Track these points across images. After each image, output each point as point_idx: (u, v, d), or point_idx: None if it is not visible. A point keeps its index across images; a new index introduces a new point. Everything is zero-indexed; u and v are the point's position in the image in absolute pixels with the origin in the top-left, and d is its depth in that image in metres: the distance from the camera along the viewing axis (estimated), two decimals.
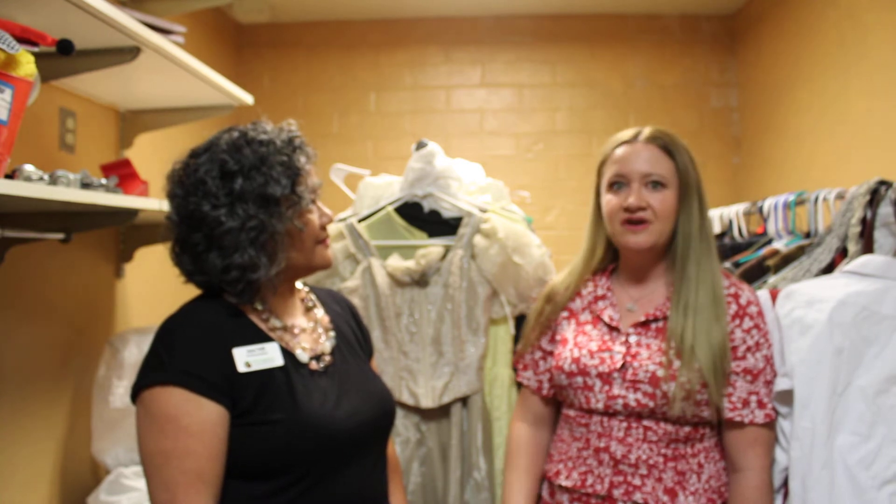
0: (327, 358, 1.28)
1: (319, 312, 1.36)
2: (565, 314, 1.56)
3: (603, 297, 1.52)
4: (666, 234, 1.44)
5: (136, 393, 1.15)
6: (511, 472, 1.59)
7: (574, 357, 1.47)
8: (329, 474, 1.19)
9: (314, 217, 1.27)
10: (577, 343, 1.49)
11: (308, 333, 1.30)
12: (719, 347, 1.37)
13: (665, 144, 1.44)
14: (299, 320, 1.31)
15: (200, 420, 1.11)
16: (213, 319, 1.19)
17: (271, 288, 1.24)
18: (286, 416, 1.16)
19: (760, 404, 1.40)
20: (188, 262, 1.22)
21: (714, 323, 1.38)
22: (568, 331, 1.53)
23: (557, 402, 1.57)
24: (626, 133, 1.48)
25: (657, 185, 1.43)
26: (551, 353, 1.56)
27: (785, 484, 1.43)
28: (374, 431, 1.29)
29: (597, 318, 1.51)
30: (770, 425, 1.41)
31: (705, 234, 1.45)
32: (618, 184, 1.46)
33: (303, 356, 1.24)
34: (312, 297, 1.39)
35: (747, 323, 1.42)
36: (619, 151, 1.47)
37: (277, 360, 1.20)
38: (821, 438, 1.35)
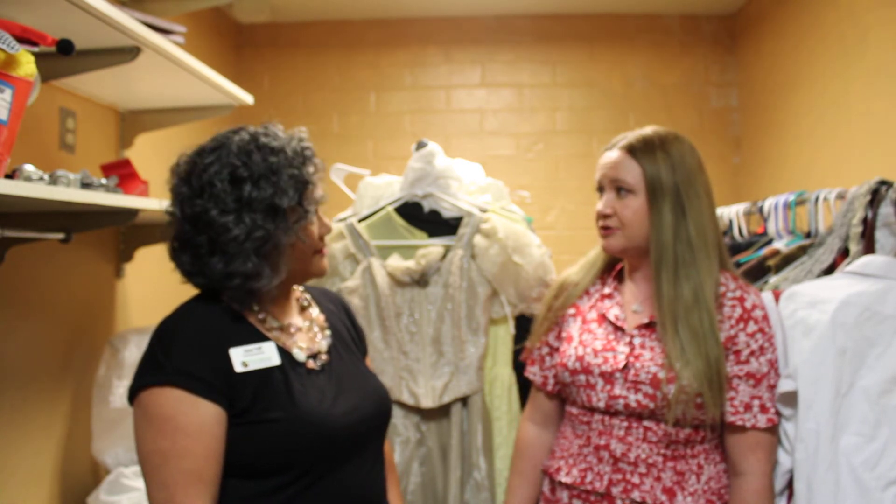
0: (324, 356, 1.29)
1: (315, 311, 1.37)
2: (572, 311, 1.56)
3: (610, 296, 1.53)
4: (638, 239, 1.44)
5: (134, 394, 1.15)
6: (514, 475, 1.63)
7: (578, 355, 1.47)
8: (327, 472, 1.20)
9: (315, 228, 1.27)
10: (583, 341, 1.49)
11: (304, 332, 1.30)
12: (713, 354, 1.36)
13: (635, 152, 1.44)
14: (295, 319, 1.31)
15: (198, 420, 1.11)
16: (209, 320, 1.19)
17: (270, 296, 1.25)
18: (284, 415, 1.16)
19: (763, 409, 1.39)
20: (188, 262, 1.21)
21: (698, 329, 1.37)
22: (574, 328, 1.53)
23: (563, 398, 1.58)
24: (615, 138, 1.50)
25: (623, 191, 1.44)
26: (557, 350, 1.57)
27: (789, 486, 1.43)
28: (371, 429, 1.29)
29: (602, 317, 1.51)
30: (772, 430, 1.41)
31: (684, 238, 1.41)
32: (599, 189, 1.50)
33: (300, 355, 1.24)
34: (307, 296, 1.39)
35: (752, 327, 1.42)
36: (601, 158, 1.50)
37: (274, 360, 1.20)
38: (825, 439, 1.35)
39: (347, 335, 1.40)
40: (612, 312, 1.49)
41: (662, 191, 1.42)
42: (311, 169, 1.24)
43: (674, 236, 1.41)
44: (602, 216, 1.47)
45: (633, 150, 1.44)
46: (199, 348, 1.15)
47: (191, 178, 1.20)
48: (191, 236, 1.19)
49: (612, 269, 1.58)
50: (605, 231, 1.47)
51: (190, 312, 1.21)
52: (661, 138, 1.45)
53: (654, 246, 1.42)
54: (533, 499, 1.59)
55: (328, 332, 1.34)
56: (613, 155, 1.47)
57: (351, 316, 1.46)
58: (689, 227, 1.42)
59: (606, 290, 1.54)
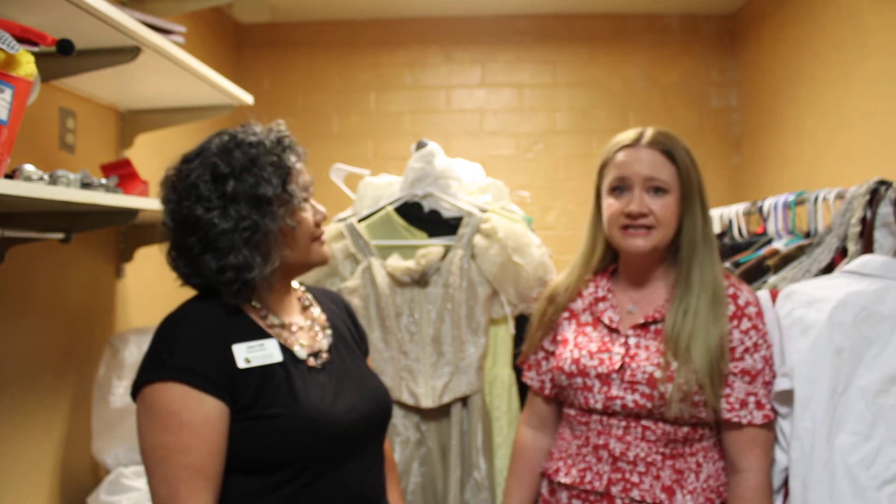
0: (325, 355, 1.29)
1: (316, 311, 1.38)
2: (566, 315, 1.56)
3: (603, 299, 1.52)
4: (668, 239, 1.44)
5: (137, 390, 1.16)
6: (510, 479, 1.63)
7: (574, 358, 1.47)
8: (328, 469, 1.20)
9: (308, 215, 1.28)
10: (578, 344, 1.49)
11: (305, 331, 1.31)
12: (716, 349, 1.37)
13: (667, 148, 1.43)
14: (296, 318, 1.32)
15: (201, 415, 1.12)
16: (212, 317, 1.20)
17: (267, 286, 1.25)
18: (286, 411, 1.17)
19: (759, 405, 1.40)
20: (184, 265, 1.23)
21: (712, 325, 1.38)
22: (569, 331, 1.53)
23: (561, 402, 1.58)
24: (628, 135, 1.47)
25: (659, 190, 1.42)
26: (553, 354, 1.57)
27: (785, 484, 1.43)
28: (371, 427, 1.30)
29: (597, 320, 1.51)
30: (769, 426, 1.41)
31: (708, 237, 1.45)
32: (619, 188, 1.45)
33: (301, 353, 1.25)
34: (309, 296, 1.40)
35: (745, 324, 1.42)
36: (621, 155, 1.45)
37: (276, 357, 1.21)
38: (821, 438, 1.35)
39: (349, 335, 1.40)
40: (607, 315, 1.49)
41: (693, 189, 1.43)
42: (291, 156, 1.25)
43: (703, 235, 1.44)
44: (638, 215, 1.41)
45: (664, 148, 1.43)
46: (202, 345, 1.16)
47: (176, 185, 1.22)
48: (182, 240, 1.21)
49: (601, 273, 1.57)
50: (635, 231, 1.42)
51: (192, 310, 1.22)
52: (676, 136, 1.46)
53: (686, 245, 1.43)
54: (530, 501, 1.59)
55: (329, 332, 1.35)
56: (643, 153, 1.43)
57: (353, 316, 1.47)
58: (709, 225, 1.45)
59: (600, 293, 1.53)
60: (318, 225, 1.30)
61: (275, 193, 1.21)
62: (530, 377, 1.62)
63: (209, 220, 1.18)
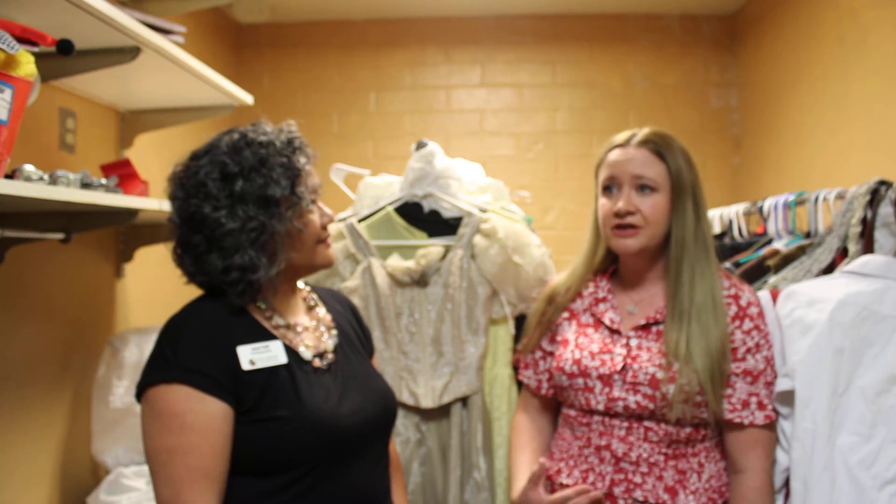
0: (330, 356, 1.29)
1: (321, 311, 1.37)
2: (566, 315, 1.56)
3: (604, 300, 1.52)
4: (658, 238, 1.44)
5: (142, 390, 1.16)
6: (515, 453, 1.58)
7: (575, 358, 1.47)
8: (333, 471, 1.20)
9: (315, 217, 1.28)
10: (578, 344, 1.49)
11: (311, 332, 1.31)
12: (717, 351, 1.37)
13: (657, 148, 1.43)
14: (302, 319, 1.32)
15: (205, 417, 1.12)
16: (217, 318, 1.20)
17: (272, 287, 1.25)
18: (290, 413, 1.17)
19: (760, 405, 1.40)
20: (189, 263, 1.23)
21: (712, 327, 1.38)
22: (569, 332, 1.53)
23: (557, 402, 1.58)
24: (621, 136, 1.48)
25: (647, 188, 1.42)
26: (552, 354, 1.56)
27: (786, 484, 1.44)
28: (376, 428, 1.30)
29: (598, 321, 1.51)
30: (770, 426, 1.41)
31: (701, 237, 1.43)
32: (609, 187, 1.46)
33: (306, 354, 1.25)
34: (314, 296, 1.40)
35: (747, 324, 1.42)
36: (612, 155, 1.46)
37: (281, 358, 1.21)
38: (822, 439, 1.35)
39: (354, 335, 1.40)
40: (608, 316, 1.49)
41: (685, 188, 1.43)
42: (301, 158, 1.25)
43: (694, 235, 1.42)
44: (625, 213, 1.42)
45: (654, 147, 1.43)
46: (207, 346, 1.16)
47: (184, 182, 1.22)
48: (188, 237, 1.21)
49: (602, 273, 1.57)
50: (623, 230, 1.43)
51: (197, 310, 1.22)
52: (670, 137, 1.46)
53: (675, 244, 1.42)
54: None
55: (335, 332, 1.34)
56: (632, 152, 1.44)
57: (358, 316, 1.47)
58: (703, 226, 1.44)
59: (600, 294, 1.53)
60: (324, 227, 1.30)
61: (283, 195, 1.20)
62: (527, 376, 1.62)
63: (216, 219, 1.18)
